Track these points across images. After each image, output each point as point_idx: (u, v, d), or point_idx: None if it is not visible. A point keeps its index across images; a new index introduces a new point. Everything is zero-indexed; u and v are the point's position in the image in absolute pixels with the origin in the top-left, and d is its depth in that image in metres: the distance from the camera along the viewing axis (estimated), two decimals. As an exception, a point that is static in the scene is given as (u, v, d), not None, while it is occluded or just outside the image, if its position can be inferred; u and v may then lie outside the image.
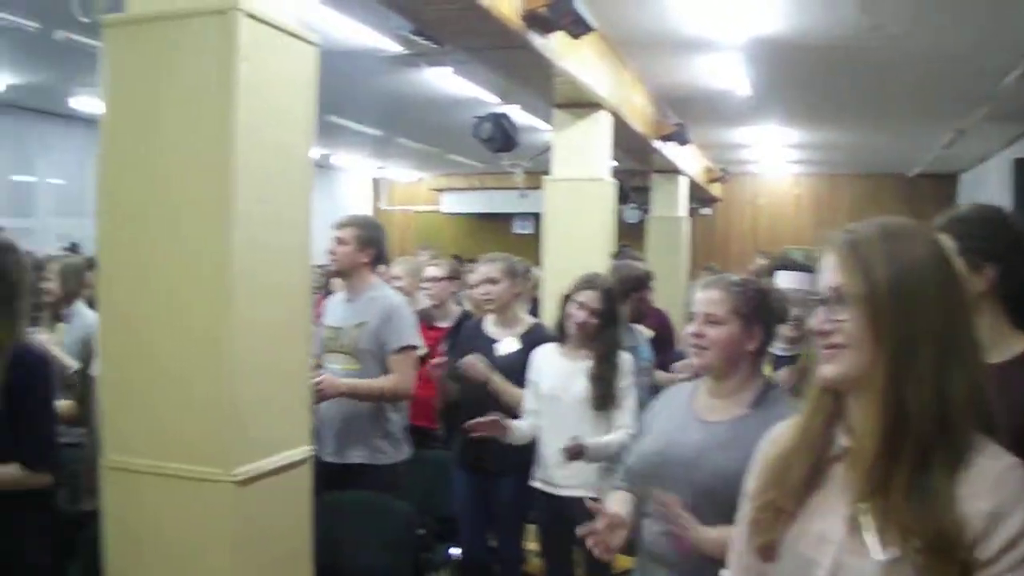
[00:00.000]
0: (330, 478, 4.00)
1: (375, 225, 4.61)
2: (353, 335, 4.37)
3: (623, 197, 10.55)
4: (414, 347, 4.45)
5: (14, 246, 3.17)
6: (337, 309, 4.51)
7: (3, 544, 3.00)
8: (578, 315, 4.08)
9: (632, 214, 14.70)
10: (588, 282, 4.15)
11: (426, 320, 5.41)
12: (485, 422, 3.94)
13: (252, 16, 2.84)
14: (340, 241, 4.40)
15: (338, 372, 4.31)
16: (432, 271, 5.74)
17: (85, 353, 4.15)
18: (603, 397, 4.02)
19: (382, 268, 4.79)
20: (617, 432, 3.91)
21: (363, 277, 4.48)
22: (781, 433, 1.76)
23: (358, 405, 4.30)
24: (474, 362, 4.37)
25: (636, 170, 12.32)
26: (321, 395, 4.05)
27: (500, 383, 4.36)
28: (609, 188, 7.63)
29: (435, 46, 6.45)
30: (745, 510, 1.76)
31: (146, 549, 2.97)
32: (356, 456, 4.32)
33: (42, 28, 7.06)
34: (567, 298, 4.16)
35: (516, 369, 4.34)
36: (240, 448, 2.88)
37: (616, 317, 4.17)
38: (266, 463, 2.98)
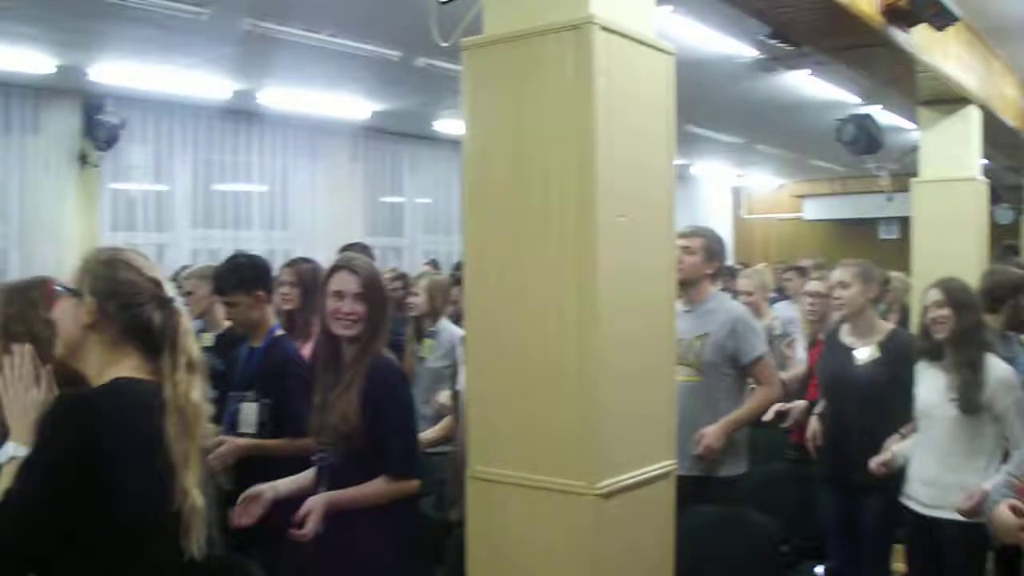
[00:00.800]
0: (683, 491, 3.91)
1: (719, 237, 4.56)
2: (695, 347, 4.28)
3: (994, 196, 9.88)
4: (763, 356, 4.36)
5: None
6: (676, 320, 4.40)
7: (369, 548, 3.12)
8: (925, 320, 3.92)
9: (1004, 214, 13.72)
10: (938, 285, 3.95)
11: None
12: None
13: (607, 29, 2.82)
14: (687, 251, 4.32)
15: (679, 384, 4.20)
16: (815, 286, 5.57)
17: (451, 367, 4.28)
18: (968, 408, 3.76)
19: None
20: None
21: (704, 288, 4.40)
22: None
23: (701, 415, 4.19)
24: None
25: (1008, 167, 11.45)
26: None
27: None
28: (982, 188, 7.21)
29: (792, 48, 6.26)
30: None
31: (507, 559, 3.01)
32: (694, 468, 4.18)
33: (404, 56, 7.47)
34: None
35: (876, 380, 4.18)
36: (604, 461, 2.85)
37: (975, 322, 3.89)
38: (629, 476, 2.95)
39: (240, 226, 10.11)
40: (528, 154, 2.93)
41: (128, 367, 2.13)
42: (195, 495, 2.10)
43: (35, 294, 2.55)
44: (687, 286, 4.35)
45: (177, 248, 9.43)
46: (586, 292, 2.82)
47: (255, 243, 9.89)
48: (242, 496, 3.20)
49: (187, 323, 2.22)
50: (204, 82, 8.55)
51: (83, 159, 8.74)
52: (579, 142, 2.81)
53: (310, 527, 3.04)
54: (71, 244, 8.26)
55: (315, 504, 3.10)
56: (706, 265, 4.37)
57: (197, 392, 2.15)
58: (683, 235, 4.32)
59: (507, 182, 2.99)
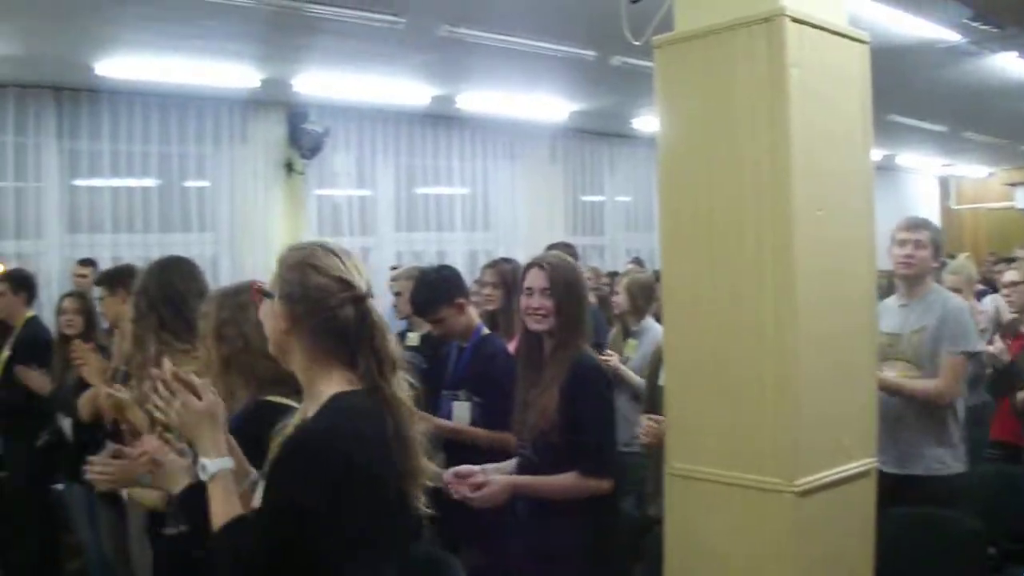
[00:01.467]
0: (884, 490, 3.80)
1: (942, 229, 4.37)
2: (913, 342, 4.13)
3: None
4: (971, 354, 4.14)
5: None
6: (892, 315, 4.26)
7: (561, 545, 3.16)
8: None
9: None
10: None
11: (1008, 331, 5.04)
12: None
13: (798, 20, 2.79)
14: (918, 245, 4.15)
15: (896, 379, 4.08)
16: (1011, 275, 5.32)
17: (654, 365, 4.28)
18: None
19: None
20: None
21: (925, 282, 4.23)
22: None
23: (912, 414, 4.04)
24: None
25: None
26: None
27: None
28: None
29: (997, 30, 5.99)
30: None
31: (705, 556, 3.00)
32: (916, 467, 4.04)
33: (599, 55, 7.52)
34: None
35: None
36: (802, 459, 2.82)
37: None
38: (828, 474, 2.90)
39: (443, 228, 10.35)
40: (721, 150, 2.92)
41: (338, 379, 2.07)
42: (420, 503, 2.10)
43: (244, 298, 2.66)
44: (912, 281, 4.21)
45: (381, 251, 9.71)
46: (784, 289, 2.79)
47: (457, 244, 10.13)
48: (454, 470, 3.20)
49: (381, 320, 2.15)
50: (403, 89, 8.81)
51: (289, 167, 9.11)
52: (772, 135, 2.78)
53: (481, 495, 3.08)
54: (278, 250, 8.60)
55: (498, 481, 3.16)
56: (934, 260, 4.23)
57: (403, 391, 2.10)
58: (909, 228, 4.18)
59: (701, 179, 2.99)
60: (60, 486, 6.01)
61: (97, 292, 5.03)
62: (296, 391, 2.42)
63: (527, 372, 3.37)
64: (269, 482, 2.00)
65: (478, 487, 3.10)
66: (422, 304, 4.34)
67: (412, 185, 10.18)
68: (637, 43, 3.29)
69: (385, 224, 9.81)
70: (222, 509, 2.04)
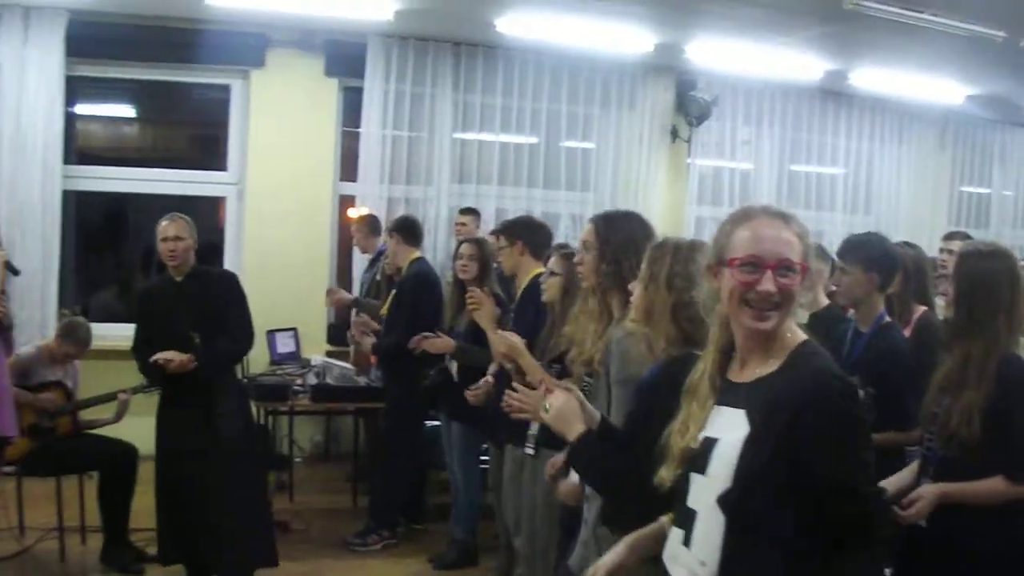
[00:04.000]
0: None
1: None
2: None
3: None
4: None
5: (1004, 253, 3.17)
6: None
7: (983, 549, 3.00)
8: None
9: None
10: None
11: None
12: None
13: None
14: None
15: None
16: None
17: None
18: None
19: None
20: None
21: None
22: None
23: None
24: None
25: None
26: None
27: None
28: None
29: None
30: None
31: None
32: None
33: (1009, 36, 7.02)
34: None
35: None
36: None
37: None
38: None
39: (823, 207, 10.03)
40: None
41: None
42: None
43: (698, 255, 2.67)
44: None
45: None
46: None
47: (836, 226, 9.78)
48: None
49: None
50: (796, 62, 8.62)
51: (674, 134, 9.14)
52: None
53: (915, 510, 3.01)
54: (657, 215, 8.64)
55: (926, 492, 3.05)
56: None
57: None
58: None
59: None
60: (435, 423, 6.38)
61: (495, 242, 5.28)
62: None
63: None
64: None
65: (911, 503, 3.03)
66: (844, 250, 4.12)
67: (793, 161, 9.92)
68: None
69: (765, 199, 9.52)
70: None
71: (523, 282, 5.20)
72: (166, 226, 5.00)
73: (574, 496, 3.30)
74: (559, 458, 3.60)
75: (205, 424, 4.91)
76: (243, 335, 5.17)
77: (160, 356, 4.83)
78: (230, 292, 5.17)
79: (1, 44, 7.59)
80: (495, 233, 5.32)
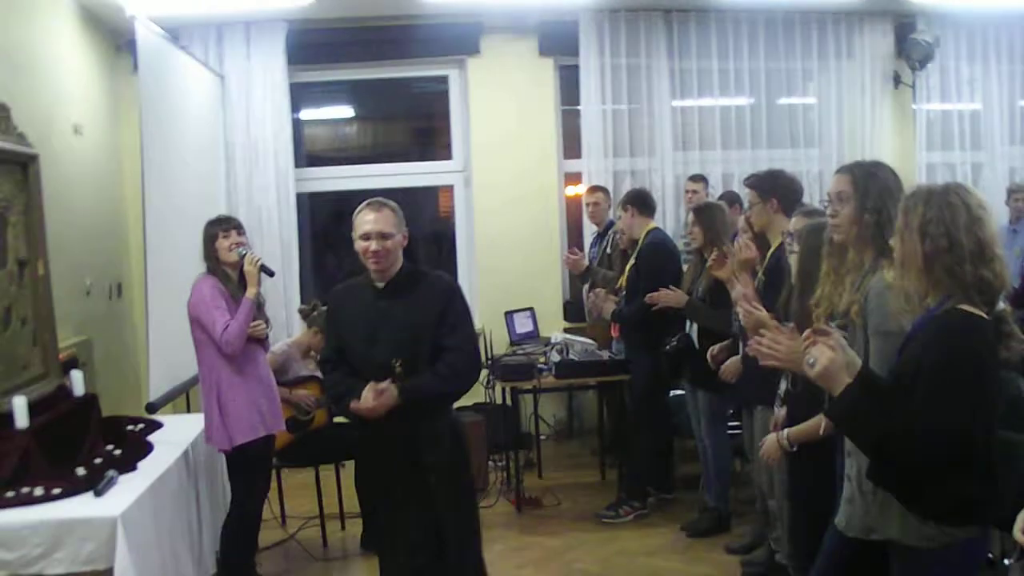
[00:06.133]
0: None
1: None
2: None
3: None
4: None
5: None
6: None
7: None
8: None
9: None
10: None
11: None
12: None
13: None
14: None
15: None
16: None
17: None
18: None
19: None
20: None
21: None
22: None
23: None
24: None
25: None
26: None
27: None
28: None
29: None
30: None
31: None
32: None
33: None
34: None
35: None
36: None
37: None
38: None
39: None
40: None
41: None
42: None
43: (954, 199, 2.63)
44: None
45: (992, 168, 9.06)
46: None
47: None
48: None
49: None
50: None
51: (896, 80, 8.81)
52: None
53: None
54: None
55: None
56: None
57: None
58: None
59: None
60: (679, 392, 6.36)
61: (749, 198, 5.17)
62: (988, 302, 2.53)
63: None
64: None
65: None
66: None
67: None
68: None
69: (996, 139, 9.12)
70: None
71: (775, 241, 4.96)
72: (367, 216, 4.01)
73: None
74: (781, 414, 3.66)
75: (410, 470, 3.99)
76: (464, 365, 4.05)
77: (357, 407, 3.93)
78: (450, 305, 4.04)
79: (225, 59, 7.93)
80: (748, 185, 5.17)
